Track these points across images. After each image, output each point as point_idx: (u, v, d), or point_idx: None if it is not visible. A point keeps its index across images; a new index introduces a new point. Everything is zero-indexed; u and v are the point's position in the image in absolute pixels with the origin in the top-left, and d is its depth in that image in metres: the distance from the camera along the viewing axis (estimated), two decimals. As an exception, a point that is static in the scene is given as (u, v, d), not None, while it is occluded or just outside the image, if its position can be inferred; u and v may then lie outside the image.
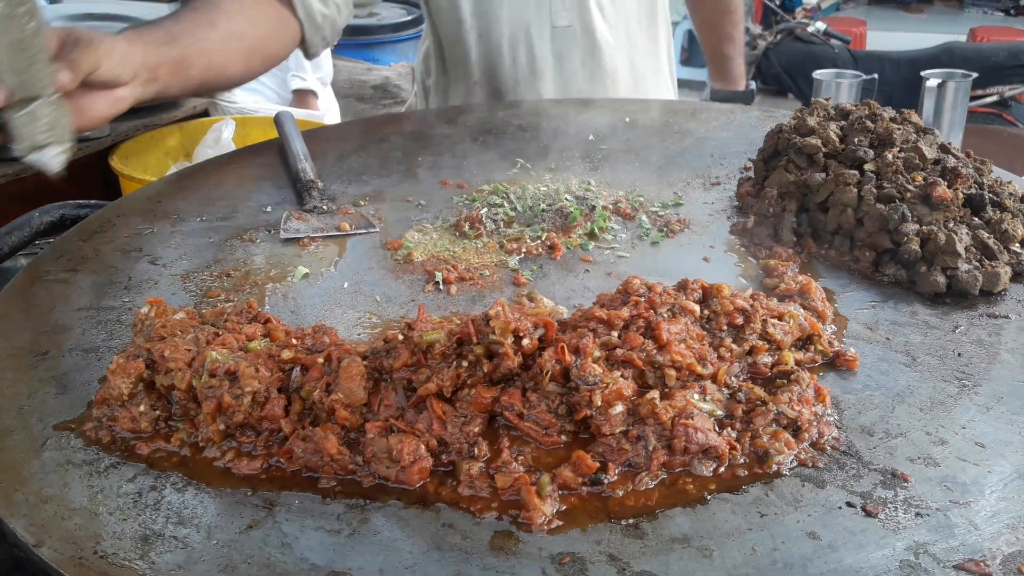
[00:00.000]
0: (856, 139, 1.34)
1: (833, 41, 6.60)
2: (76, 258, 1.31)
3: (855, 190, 1.26)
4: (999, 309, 1.10)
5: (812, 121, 1.41)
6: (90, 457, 0.87)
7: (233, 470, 0.84)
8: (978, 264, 1.15)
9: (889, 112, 1.41)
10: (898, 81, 6.08)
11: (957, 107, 4.33)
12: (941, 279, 1.13)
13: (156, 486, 0.83)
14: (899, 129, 1.35)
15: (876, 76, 4.66)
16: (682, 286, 0.99)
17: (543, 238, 1.37)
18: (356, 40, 4.83)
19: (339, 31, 1.82)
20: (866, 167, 1.29)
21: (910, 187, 1.24)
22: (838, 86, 4.48)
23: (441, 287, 1.24)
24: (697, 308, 0.95)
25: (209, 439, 0.86)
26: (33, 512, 0.79)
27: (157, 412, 0.90)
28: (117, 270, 1.27)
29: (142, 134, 2.42)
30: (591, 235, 1.39)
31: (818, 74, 4.65)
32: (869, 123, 1.37)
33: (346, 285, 1.24)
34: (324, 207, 1.46)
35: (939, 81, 4.32)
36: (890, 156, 1.29)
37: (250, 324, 1.01)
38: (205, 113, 2.68)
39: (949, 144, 1.36)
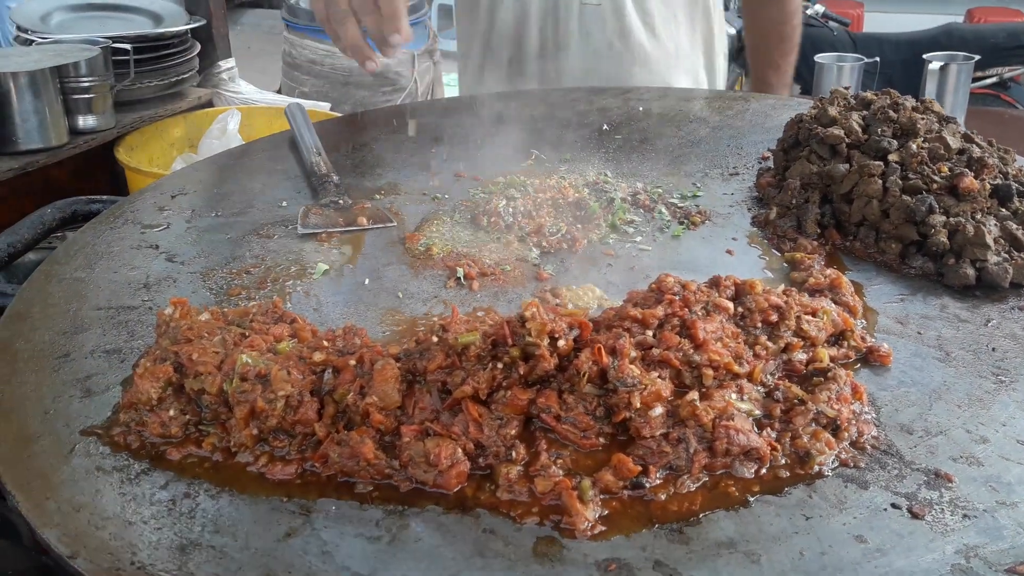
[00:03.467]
0: (879, 129, 1.33)
1: (832, 23, 6.57)
2: (91, 256, 1.29)
3: (880, 181, 1.25)
4: (1030, 302, 1.09)
5: (833, 111, 1.40)
6: (120, 463, 0.86)
7: (267, 475, 0.83)
8: (1007, 256, 1.14)
9: (911, 101, 1.40)
10: (898, 63, 6.04)
11: (959, 90, 4.32)
12: (970, 271, 1.12)
13: (190, 493, 0.82)
14: (922, 119, 1.33)
15: (878, 59, 4.64)
16: (715, 283, 0.98)
17: (563, 232, 1.36)
18: (355, 26, 4.75)
19: None
20: (890, 158, 1.28)
21: (936, 178, 1.23)
22: (840, 70, 4.46)
23: (463, 282, 1.23)
24: (731, 305, 0.94)
25: (242, 444, 0.85)
26: (66, 521, 0.78)
27: (187, 416, 0.88)
28: (134, 268, 1.26)
29: (147, 126, 2.39)
30: (612, 228, 1.38)
31: (820, 58, 4.63)
32: (891, 112, 1.36)
33: (367, 282, 1.22)
34: (340, 201, 1.44)
35: (941, 64, 4.30)
36: (915, 146, 1.27)
37: (276, 324, 1.00)
38: (209, 104, 2.64)
39: (973, 133, 1.35)
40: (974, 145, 1.31)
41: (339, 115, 2.65)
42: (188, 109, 2.55)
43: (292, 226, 1.37)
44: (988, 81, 6.12)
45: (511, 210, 1.42)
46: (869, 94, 1.44)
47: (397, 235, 1.37)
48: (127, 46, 2.28)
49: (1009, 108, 6.02)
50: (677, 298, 0.92)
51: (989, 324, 1.05)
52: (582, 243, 1.33)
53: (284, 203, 1.46)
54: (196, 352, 0.91)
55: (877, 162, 1.27)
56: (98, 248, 1.31)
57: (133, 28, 2.56)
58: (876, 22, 8.44)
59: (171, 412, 0.88)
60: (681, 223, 1.39)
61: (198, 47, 2.63)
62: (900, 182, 1.24)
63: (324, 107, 2.92)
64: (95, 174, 2.34)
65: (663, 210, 1.42)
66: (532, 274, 1.25)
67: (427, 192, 1.52)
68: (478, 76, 2.27)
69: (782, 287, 1.02)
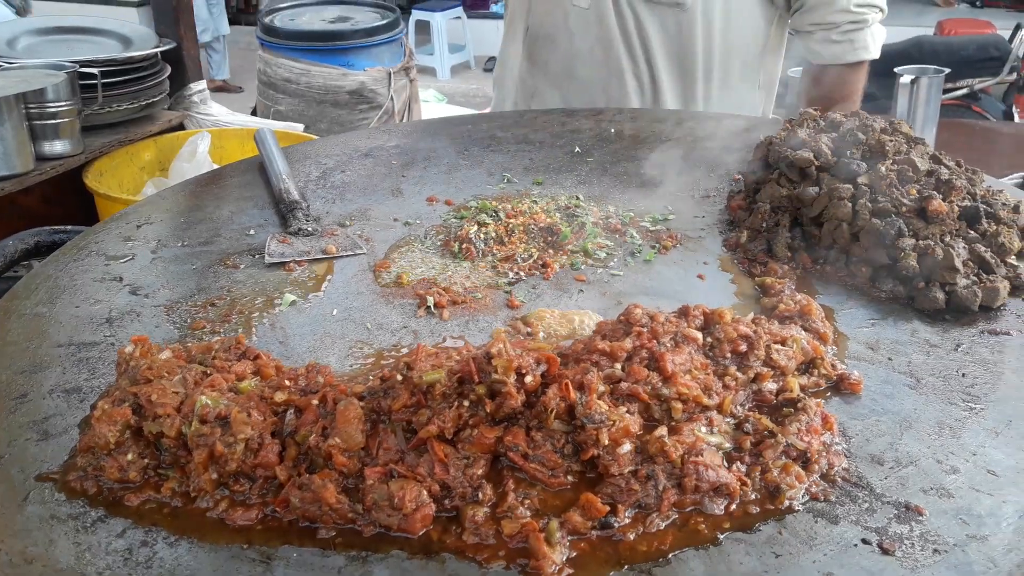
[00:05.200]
0: (848, 151, 1.33)
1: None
2: (53, 289, 1.26)
3: (850, 204, 1.25)
4: (999, 325, 1.09)
5: (803, 133, 1.40)
6: (75, 511, 0.83)
7: (227, 521, 0.81)
8: (976, 279, 1.14)
9: (880, 122, 1.40)
10: (871, 75, 6.08)
11: (930, 103, 4.36)
12: (940, 295, 1.12)
13: (147, 541, 0.79)
14: (891, 140, 1.34)
15: (850, 72, 4.67)
16: (683, 312, 0.97)
17: (535, 257, 1.35)
18: (329, 45, 4.75)
19: None
20: (859, 180, 1.28)
21: (905, 201, 1.23)
22: (813, 84, 4.49)
23: (433, 311, 1.21)
24: (700, 336, 0.93)
25: (201, 489, 0.82)
26: (18, 575, 0.76)
27: (146, 460, 0.86)
28: (97, 302, 1.23)
29: (116, 150, 2.36)
30: (584, 253, 1.37)
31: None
32: (860, 135, 1.36)
33: (335, 312, 1.21)
34: (309, 229, 1.42)
35: (912, 77, 4.35)
36: (883, 169, 1.28)
37: (239, 361, 0.98)
38: (180, 126, 2.62)
39: (941, 154, 1.35)
40: (942, 166, 1.32)
41: (313, 136, 2.64)
42: (159, 132, 2.53)
43: (259, 255, 1.35)
44: (959, 93, 6.20)
45: (482, 236, 1.40)
46: (838, 115, 1.45)
47: (367, 263, 1.35)
48: (95, 70, 2.26)
49: (979, 119, 6.10)
50: (645, 330, 0.91)
51: (959, 349, 1.05)
52: (554, 269, 1.32)
53: (252, 231, 1.44)
54: (155, 393, 0.88)
55: (846, 185, 1.27)
56: (61, 281, 1.28)
57: (102, 51, 2.54)
58: (849, 34, 8.51)
59: (129, 456, 0.86)
60: (652, 247, 1.38)
61: (168, 70, 2.61)
62: (869, 205, 1.24)
63: (298, 128, 2.91)
64: (65, 199, 2.31)
65: (635, 234, 1.42)
66: (503, 301, 1.24)
67: (398, 218, 1.51)
68: (510, 35, 2.32)
69: (751, 315, 1.01)
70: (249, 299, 1.23)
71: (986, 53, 6.44)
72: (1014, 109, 6.46)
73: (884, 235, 1.19)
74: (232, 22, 11.77)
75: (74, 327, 1.17)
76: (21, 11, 4.16)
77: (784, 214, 1.32)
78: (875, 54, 2.06)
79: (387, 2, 5.41)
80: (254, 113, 5.15)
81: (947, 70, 4.60)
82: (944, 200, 1.23)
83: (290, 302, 1.23)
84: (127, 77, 2.40)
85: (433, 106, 6.37)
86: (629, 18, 2.04)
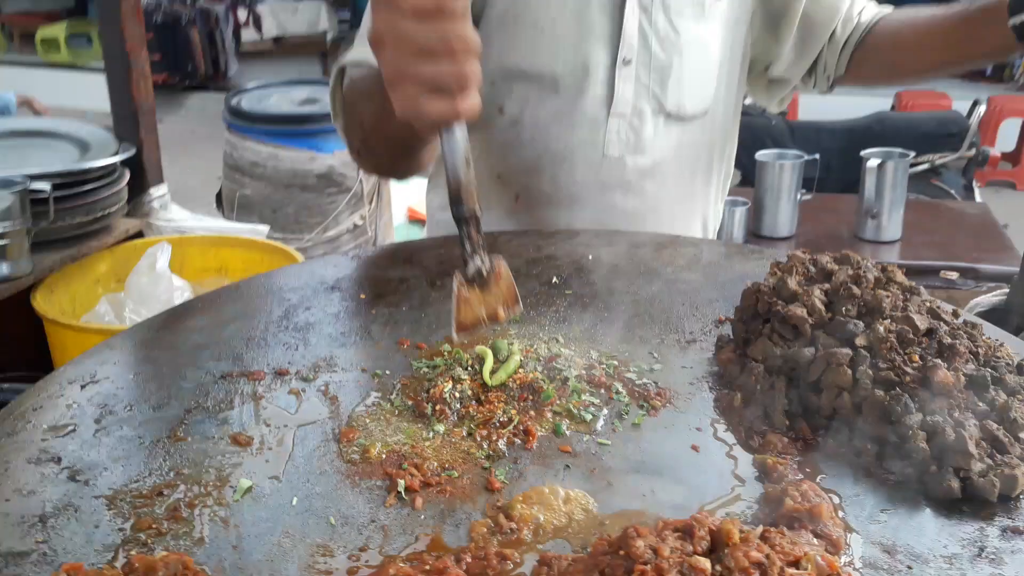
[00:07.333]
0: (843, 308, 1.26)
1: (768, 112, 6.74)
2: (-20, 476, 1.13)
3: (850, 371, 1.17)
4: (1021, 521, 1.01)
5: (793, 283, 1.33)
6: None
7: None
8: (991, 462, 1.06)
9: (873, 272, 1.34)
10: (835, 151, 6.21)
11: (897, 186, 4.42)
12: (955, 484, 1.04)
13: None
14: (887, 295, 1.27)
15: (817, 156, 4.73)
16: (688, 533, 0.87)
17: (515, 422, 1.25)
18: (298, 129, 4.70)
19: None
20: (857, 342, 1.21)
21: (908, 369, 1.16)
22: (781, 168, 4.54)
23: (404, 497, 1.10)
24: (708, 566, 0.83)
25: None
26: None
27: None
28: (30, 493, 1.10)
29: (68, 266, 2.24)
30: (567, 414, 1.27)
31: (761, 156, 4.71)
32: (854, 287, 1.30)
33: (295, 502, 1.09)
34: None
35: (879, 161, 4.41)
36: (882, 330, 1.21)
37: (185, 594, 0.86)
38: (139, 235, 2.51)
39: (938, 307, 1.29)
40: (941, 322, 1.25)
41: (290, 252, 2.54)
42: (115, 243, 2.41)
43: (213, 422, 1.24)
44: (920, 168, 6.32)
45: (457, 395, 1.31)
46: (828, 263, 1.39)
47: (331, 430, 1.24)
48: (46, 184, 2.15)
49: (940, 192, 6.21)
50: (649, 567, 0.81)
51: (983, 555, 0.96)
52: (536, 436, 1.22)
53: (208, 393, 1.33)
54: (84, 653, 0.76)
55: (845, 350, 1.19)
56: (-11, 464, 1.16)
57: (57, 157, 2.44)
58: (810, 107, 8.74)
59: None
60: (641, 407, 1.29)
61: (127, 176, 2.51)
62: (871, 372, 1.16)
63: (262, 231, 2.81)
64: (13, 321, 2.18)
65: (620, 389, 1.33)
66: (482, 481, 1.13)
67: (366, 368, 1.41)
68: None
69: (760, 528, 0.92)
70: (201, 487, 1.12)
71: (945, 129, 6.62)
72: (974, 183, 6.61)
73: (891, 411, 1.11)
74: (199, 88, 11.75)
75: (1, 530, 1.04)
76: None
77: (779, 376, 1.24)
78: None
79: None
80: (219, 197, 5.05)
81: (912, 153, 4.67)
82: (948, 367, 1.16)
83: (245, 489, 1.11)
84: (82, 189, 2.29)
85: (405, 186, 6.32)
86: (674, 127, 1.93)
